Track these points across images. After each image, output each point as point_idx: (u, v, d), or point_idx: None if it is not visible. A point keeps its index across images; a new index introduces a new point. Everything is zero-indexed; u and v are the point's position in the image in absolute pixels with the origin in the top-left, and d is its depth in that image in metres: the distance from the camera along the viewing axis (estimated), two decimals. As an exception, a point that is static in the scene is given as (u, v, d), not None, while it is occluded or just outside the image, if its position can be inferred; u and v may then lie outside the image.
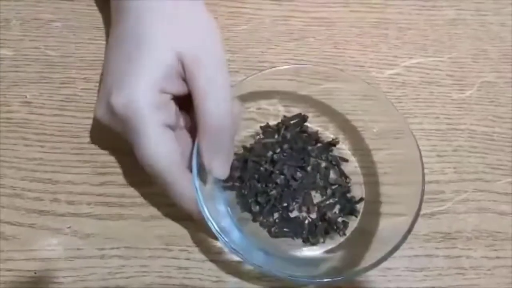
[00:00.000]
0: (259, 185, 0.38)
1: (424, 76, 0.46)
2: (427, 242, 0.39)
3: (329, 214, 0.38)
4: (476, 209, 0.40)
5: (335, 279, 0.33)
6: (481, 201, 0.40)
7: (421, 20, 0.48)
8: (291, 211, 0.38)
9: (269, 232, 0.37)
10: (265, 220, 0.38)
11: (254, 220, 0.38)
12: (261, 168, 0.38)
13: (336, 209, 0.39)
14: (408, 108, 0.44)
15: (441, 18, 0.49)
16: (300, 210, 0.38)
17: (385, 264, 0.34)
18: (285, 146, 0.39)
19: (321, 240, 0.38)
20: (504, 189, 0.41)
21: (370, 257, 0.34)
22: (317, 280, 0.35)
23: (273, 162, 0.39)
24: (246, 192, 0.38)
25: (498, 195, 0.41)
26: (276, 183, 0.38)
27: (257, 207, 0.38)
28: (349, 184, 0.40)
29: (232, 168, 0.35)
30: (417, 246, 0.38)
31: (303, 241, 0.38)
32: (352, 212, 0.39)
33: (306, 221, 0.38)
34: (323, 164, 0.40)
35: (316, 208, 0.38)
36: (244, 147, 0.40)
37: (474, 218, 0.40)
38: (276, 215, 0.38)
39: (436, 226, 0.39)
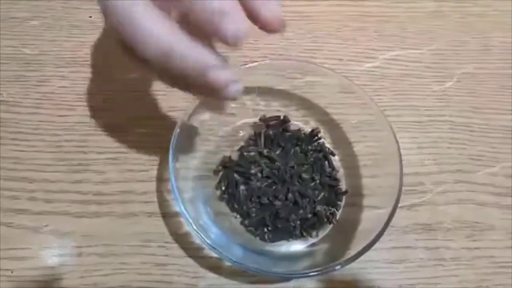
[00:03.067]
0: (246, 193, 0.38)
1: (404, 69, 0.45)
2: (407, 234, 0.39)
3: (318, 208, 0.38)
4: (456, 200, 0.40)
5: (314, 273, 0.33)
6: (461, 192, 0.40)
7: (400, 12, 0.48)
8: (280, 208, 0.38)
9: (264, 239, 0.37)
10: (257, 231, 0.37)
11: (248, 231, 0.37)
12: (250, 181, 0.38)
13: (323, 202, 0.39)
14: (387, 101, 0.43)
15: (421, 11, 0.49)
16: (290, 208, 0.38)
17: (365, 257, 0.34)
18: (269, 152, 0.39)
19: (314, 233, 0.38)
20: (483, 180, 0.41)
21: (350, 251, 0.34)
22: (295, 275, 0.35)
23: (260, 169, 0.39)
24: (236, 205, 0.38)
25: (477, 186, 0.41)
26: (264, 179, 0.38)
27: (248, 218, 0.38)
28: (337, 176, 0.40)
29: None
30: (397, 238, 0.38)
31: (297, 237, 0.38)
32: (335, 205, 0.39)
33: (298, 220, 0.38)
34: (314, 157, 0.40)
35: (306, 202, 0.38)
36: (229, 161, 0.39)
37: (454, 209, 0.40)
38: (268, 221, 0.37)
39: (416, 218, 0.39)
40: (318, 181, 0.39)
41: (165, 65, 0.26)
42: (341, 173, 0.40)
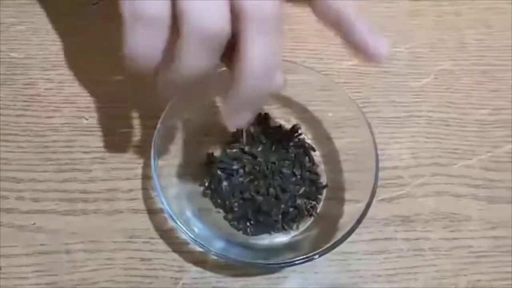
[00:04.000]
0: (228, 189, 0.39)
1: (383, 66, 0.47)
2: (387, 226, 0.40)
3: (298, 201, 0.39)
4: (433, 193, 0.41)
5: (293, 262, 0.34)
6: (438, 185, 0.42)
7: (378, 12, 0.50)
8: (262, 202, 0.38)
9: (246, 233, 0.38)
10: (240, 225, 0.38)
11: (231, 225, 0.38)
12: (232, 177, 0.39)
13: (304, 196, 0.40)
14: (366, 97, 0.45)
15: (398, 10, 0.50)
16: (272, 202, 0.39)
17: (347, 249, 0.36)
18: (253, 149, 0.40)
19: (295, 226, 0.39)
20: (459, 173, 0.42)
21: (331, 242, 0.35)
22: (275, 265, 0.36)
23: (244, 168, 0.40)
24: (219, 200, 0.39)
25: (454, 178, 0.42)
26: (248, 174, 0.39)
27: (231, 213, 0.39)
28: (317, 171, 0.41)
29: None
30: (377, 230, 0.39)
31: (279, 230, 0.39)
32: (316, 198, 0.40)
33: (280, 214, 0.38)
34: (295, 152, 0.41)
35: (287, 196, 0.39)
36: (212, 158, 0.40)
37: (431, 201, 0.41)
38: (250, 215, 0.38)
39: (395, 210, 0.40)
40: (299, 176, 0.40)
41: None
42: (321, 168, 0.41)
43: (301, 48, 0.47)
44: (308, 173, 0.40)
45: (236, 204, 0.38)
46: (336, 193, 0.40)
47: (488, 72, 0.47)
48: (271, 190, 0.39)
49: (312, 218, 0.39)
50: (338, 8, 0.31)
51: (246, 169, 0.39)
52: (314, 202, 0.40)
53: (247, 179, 0.39)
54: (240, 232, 0.38)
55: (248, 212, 0.38)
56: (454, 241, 0.40)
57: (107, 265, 0.37)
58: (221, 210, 0.39)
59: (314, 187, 0.40)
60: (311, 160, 0.41)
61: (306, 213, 0.39)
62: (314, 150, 0.42)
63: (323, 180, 0.41)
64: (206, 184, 0.39)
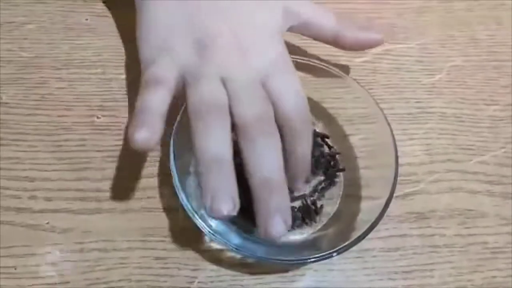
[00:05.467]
0: None
1: (394, 63, 0.47)
2: (402, 222, 0.39)
3: (315, 195, 0.39)
4: (448, 189, 0.41)
5: (311, 260, 0.34)
6: (452, 181, 0.41)
7: (388, 9, 0.49)
8: None
9: None
10: None
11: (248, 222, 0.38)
12: None
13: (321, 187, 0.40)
14: (379, 94, 0.44)
15: (409, 6, 0.50)
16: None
17: (361, 246, 0.35)
18: None
19: (318, 218, 0.39)
20: (474, 169, 0.42)
21: (348, 239, 0.35)
22: (293, 262, 0.36)
23: None
24: None
25: (468, 175, 0.42)
26: None
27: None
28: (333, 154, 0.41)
29: None
30: (391, 227, 0.39)
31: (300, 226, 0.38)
32: (332, 182, 0.40)
33: (297, 209, 0.38)
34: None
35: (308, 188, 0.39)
36: None
37: (446, 198, 0.41)
38: None
39: (410, 207, 0.40)
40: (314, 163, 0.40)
41: None
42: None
43: (313, 45, 0.46)
44: (323, 159, 0.40)
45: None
46: (352, 190, 0.39)
47: (500, 68, 0.47)
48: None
49: (330, 216, 0.39)
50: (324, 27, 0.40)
51: None
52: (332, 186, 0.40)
53: None
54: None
55: None
56: (469, 238, 0.39)
57: (121, 264, 0.36)
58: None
59: (331, 171, 0.40)
60: (327, 145, 0.41)
61: (322, 203, 0.39)
62: (328, 137, 0.42)
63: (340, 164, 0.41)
64: None
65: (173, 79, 0.35)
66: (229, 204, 0.30)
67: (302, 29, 0.40)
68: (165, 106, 0.33)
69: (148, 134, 0.31)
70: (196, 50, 0.35)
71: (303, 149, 0.34)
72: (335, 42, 0.40)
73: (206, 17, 0.36)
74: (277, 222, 0.31)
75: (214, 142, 0.32)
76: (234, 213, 0.31)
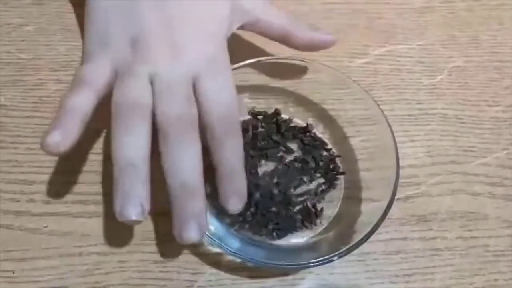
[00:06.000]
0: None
1: (395, 64, 0.46)
2: (403, 225, 0.39)
3: (316, 197, 0.39)
4: (449, 191, 0.41)
5: (311, 264, 0.33)
6: (454, 183, 0.41)
7: (389, 9, 0.49)
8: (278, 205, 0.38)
9: (272, 237, 0.38)
10: (262, 231, 0.38)
11: (254, 233, 0.38)
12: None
13: (321, 189, 0.39)
14: (379, 95, 0.44)
15: (409, 7, 0.50)
16: (286, 203, 0.38)
17: (362, 249, 0.35)
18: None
19: (318, 221, 0.38)
20: (476, 171, 0.42)
21: (349, 243, 0.34)
22: (293, 266, 0.35)
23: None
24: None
25: (470, 177, 0.41)
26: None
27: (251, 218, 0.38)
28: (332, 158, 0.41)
29: None
30: (393, 229, 0.39)
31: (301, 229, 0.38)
32: (331, 185, 0.40)
33: (298, 213, 0.38)
34: (308, 146, 0.41)
35: (303, 193, 0.39)
36: None
37: (448, 200, 0.40)
38: (272, 219, 0.38)
39: (411, 210, 0.40)
40: (312, 169, 0.40)
41: None
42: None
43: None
44: (322, 163, 0.40)
45: (252, 210, 0.38)
46: (353, 193, 0.39)
47: (501, 69, 0.47)
48: (286, 189, 0.38)
49: (330, 219, 0.39)
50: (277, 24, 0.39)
51: (261, 170, 0.39)
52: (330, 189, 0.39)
53: (264, 179, 0.39)
54: (264, 237, 0.38)
55: (265, 218, 0.38)
56: (471, 240, 0.39)
57: (120, 268, 0.36)
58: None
59: (328, 172, 0.40)
60: (325, 150, 0.41)
61: (322, 206, 0.39)
62: (326, 144, 0.41)
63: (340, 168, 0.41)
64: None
65: (104, 79, 0.33)
66: (137, 209, 0.30)
67: (253, 27, 0.39)
68: (87, 108, 0.32)
69: (59, 138, 0.30)
70: (130, 45, 0.34)
71: (230, 162, 0.33)
72: (286, 40, 0.40)
73: (144, 11, 0.35)
74: (191, 228, 0.31)
75: (130, 145, 0.31)
76: (143, 218, 0.31)
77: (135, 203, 0.30)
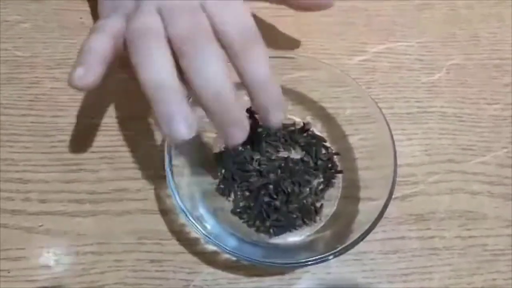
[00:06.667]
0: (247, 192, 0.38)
1: (394, 61, 0.46)
2: (400, 224, 0.39)
3: (314, 194, 0.39)
4: (448, 190, 0.40)
5: (307, 263, 0.33)
6: (453, 182, 0.41)
7: (388, 6, 0.49)
8: (278, 201, 0.38)
9: (269, 234, 0.37)
10: (261, 227, 0.38)
11: (250, 226, 0.38)
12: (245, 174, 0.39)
13: (320, 188, 0.39)
14: (378, 93, 0.44)
15: (409, 4, 0.49)
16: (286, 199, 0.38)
17: (360, 248, 0.35)
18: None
19: (317, 218, 0.38)
20: (475, 169, 0.41)
21: (346, 242, 0.34)
22: (289, 265, 0.35)
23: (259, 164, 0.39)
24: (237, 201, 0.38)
25: (469, 175, 0.41)
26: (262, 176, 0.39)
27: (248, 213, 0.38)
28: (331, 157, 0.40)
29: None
30: (390, 229, 0.39)
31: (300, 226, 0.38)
32: (329, 183, 0.39)
33: (297, 210, 0.38)
34: (306, 144, 0.41)
35: (303, 190, 0.39)
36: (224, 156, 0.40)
37: (446, 199, 0.40)
38: (270, 215, 0.38)
39: (409, 209, 0.40)
40: (312, 167, 0.40)
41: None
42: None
43: (310, 44, 0.46)
44: (321, 161, 0.40)
45: (252, 205, 0.38)
46: (351, 192, 0.39)
47: (501, 66, 0.46)
48: (285, 187, 0.38)
49: (328, 218, 0.38)
50: None
51: (260, 167, 0.39)
52: (330, 188, 0.39)
53: (260, 178, 0.38)
54: (262, 234, 0.37)
55: (266, 213, 0.37)
56: (470, 240, 0.39)
57: (116, 267, 0.36)
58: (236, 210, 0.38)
59: (326, 171, 0.40)
60: (324, 147, 0.41)
61: (322, 203, 0.39)
62: (325, 141, 0.41)
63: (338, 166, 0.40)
64: (218, 182, 0.39)
65: (117, 23, 0.33)
66: (185, 127, 0.30)
67: None
68: (105, 46, 0.32)
69: (83, 71, 0.31)
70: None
71: (256, 70, 0.31)
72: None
73: None
74: (238, 131, 0.31)
75: (153, 68, 0.31)
76: (192, 133, 0.30)
77: (179, 120, 0.30)
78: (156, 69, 0.30)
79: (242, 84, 0.32)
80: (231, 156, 0.39)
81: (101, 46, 0.32)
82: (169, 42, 0.32)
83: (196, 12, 0.32)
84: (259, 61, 0.32)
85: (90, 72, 0.31)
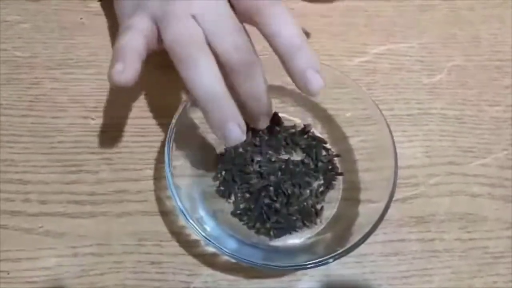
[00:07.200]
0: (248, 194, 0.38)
1: (394, 63, 0.46)
2: (401, 226, 0.39)
3: (315, 196, 0.39)
4: (448, 192, 0.40)
5: (307, 266, 0.33)
6: (453, 184, 0.41)
7: (389, 7, 0.49)
8: (279, 203, 0.38)
9: (269, 236, 0.37)
10: (261, 229, 0.37)
11: (249, 228, 0.38)
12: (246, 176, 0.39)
13: (320, 190, 0.39)
14: (378, 95, 0.44)
15: (409, 4, 0.49)
16: (286, 201, 0.38)
17: (360, 251, 0.35)
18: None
19: (318, 221, 0.38)
20: (475, 172, 0.41)
21: (346, 244, 0.34)
22: (289, 268, 0.35)
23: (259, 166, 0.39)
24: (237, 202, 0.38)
25: (469, 178, 0.41)
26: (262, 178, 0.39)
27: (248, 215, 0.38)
28: (331, 159, 0.40)
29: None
30: (391, 231, 0.39)
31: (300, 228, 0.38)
32: (330, 185, 0.39)
33: (298, 212, 0.38)
34: (307, 146, 0.40)
35: (303, 192, 0.38)
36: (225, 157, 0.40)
37: (446, 201, 0.40)
38: (271, 217, 0.37)
39: (409, 211, 0.40)
40: (312, 169, 0.39)
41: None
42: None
43: (310, 45, 0.46)
44: (322, 163, 0.40)
45: (252, 207, 0.38)
46: (351, 194, 0.39)
47: (502, 68, 0.46)
48: (286, 189, 0.38)
49: (328, 220, 0.38)
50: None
51: (261, 169, 0.39)
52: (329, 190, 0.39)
53: (261, 180, 0.38)
54: (262, 236, 0.37)
55: (266, 215, 0.37)
56: (470, 242, 0.39)
57: (116, 269, 0.36)
58: (236, 212, 0.38)
59: (327, 173, 0.40)
60: (325, 149, 0.40)
61: (322, 205, 0.38)
62: (326, 142, 0.41)
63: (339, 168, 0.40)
64: (219, 184, 0.39)
65: (147, 24, 0.34)
66: (238, 131, 0.33)
67: None
68: (139, 43, 0.33)
69: (122, 66, 0.31)
70: None
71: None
72: None
73: None
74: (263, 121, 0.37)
75: (203, 80, 0.32)
76: (244, 137, 0.33)
77: (233, 125, 0.32)
78: (208, 82, 0.32)
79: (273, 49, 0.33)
80: (231, 158, 0.39)
81: (136, 43, 0.33)
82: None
83: (238, 27, 0.34)
84: (290, 23, 0.33)
85: (129, 68, 0.32)
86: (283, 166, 0.39)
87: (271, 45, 0.33)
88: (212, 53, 0.33)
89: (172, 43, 0.33)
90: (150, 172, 0.39)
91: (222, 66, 0.33)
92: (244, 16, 0.34)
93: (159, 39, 0.34)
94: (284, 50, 0.32)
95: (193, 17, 0.34)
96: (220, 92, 0.32)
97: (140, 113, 0.41)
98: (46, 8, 0.45)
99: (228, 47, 0.33)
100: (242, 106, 0.34)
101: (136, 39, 0.33)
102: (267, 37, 0.33)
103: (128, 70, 0.31)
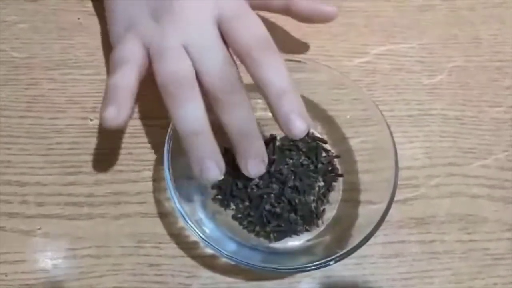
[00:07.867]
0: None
1: (394, 63, 0.46)
2: (401, 228, 0.39)
3: (315, 200, 0.38)
4: (449, 193, 0.40)
5: (308, 268, 0.33)
6: (453, 185, 0.41)
7: (389, 7, 0.48)
8: (279, 208, 0.37)
9: (269, 239, 0.37)
10: (261, 232, 0.37)
11: (249, 231, 0.37)
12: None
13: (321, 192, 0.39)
14: (378, 95, 0.44)
15: (409, 5, 0.49)
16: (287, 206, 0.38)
17: (360, 252, 0.34)
18: None
19: (319, 222, 0.38)
20: (476, 173, 0.41)
21: (346, 246, 0.34)
22: (289, 270, 0.35)
23: None
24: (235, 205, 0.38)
25: (470, 179, 0.41)
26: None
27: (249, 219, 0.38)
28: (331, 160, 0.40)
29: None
30: (391, 232, 0.38)
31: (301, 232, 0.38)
32: (330, 187, 0.39)
33: (298, 216, 0.37)
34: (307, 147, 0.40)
35: (303, 197, 0.38)
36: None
37: (446, 203, 0.40)
38: (271, 221, 0.37)
39: (409, 212, 0.39)
40: (312, 170, 0.39)
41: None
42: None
43: (310, 45, 0.46)
44: (322, 165, 0.39)
45: (252, 212, 0.37)
46: (352, 195, 0.39)
47: (502, 69, 0.46)
48: (286, 193, 0.37)
49: (328, 222, 0.38)
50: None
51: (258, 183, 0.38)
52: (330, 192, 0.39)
53: (261, 185, 0.38)
54: (261, 238, 0.37)
55: (266, 219, 0.37)
56: (470, 244, 0.39)
57: (114, 271, 0.36)
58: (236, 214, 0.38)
59: (327, 175, 0.39)
60: (324, 150, 0.40)
61: (323, 207, 0.38)
62: (326, 142, 0.41)
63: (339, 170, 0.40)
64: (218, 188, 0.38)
65: (139, 53, 0.35)
66: (215, 170, 0.33)
67: None
68: (133, 82, 0.33)
69: (115, 111, 0.32)
70: (153, 21, 0.36)
71: (274, 78, 0.33)
72: (287, 9, 0.41)
73: None
74: (257, 163, 0.35)
75: (188, 118, 0.33)
76: (221, 176, 0.34)
77: (210, 165, 0.33)
78: (191, 119, 0.33)
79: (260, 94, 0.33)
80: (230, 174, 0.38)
81: (130, 80, 0.34)
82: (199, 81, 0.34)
83: (225, 58, 0.34)
84: (278, 69, 0.33)
85: (122, 110, 0.32)
86: (286, 169, 0.39)
87: (258, 87, 0.33)
88: (198, 87, 0.34)
89: (165, 81, 0.34)
90: (149, 174, 0.39)
91: (206, 94, 0.34)
92: (235, 54, 0.35)
93: (150, 65, 0.35)
94: (270, 96, 0.33)
95: (185, 47, 0.34)
96: (201, 129, 0.33)
97: (139, 114, 0.41)
98: (44, 8, 0.45)
99: (213, 77, 0.33)
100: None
101: (129, 76, 0.34)
102: (255, 81, 0.33)
103: (121, 114, 0.32)
